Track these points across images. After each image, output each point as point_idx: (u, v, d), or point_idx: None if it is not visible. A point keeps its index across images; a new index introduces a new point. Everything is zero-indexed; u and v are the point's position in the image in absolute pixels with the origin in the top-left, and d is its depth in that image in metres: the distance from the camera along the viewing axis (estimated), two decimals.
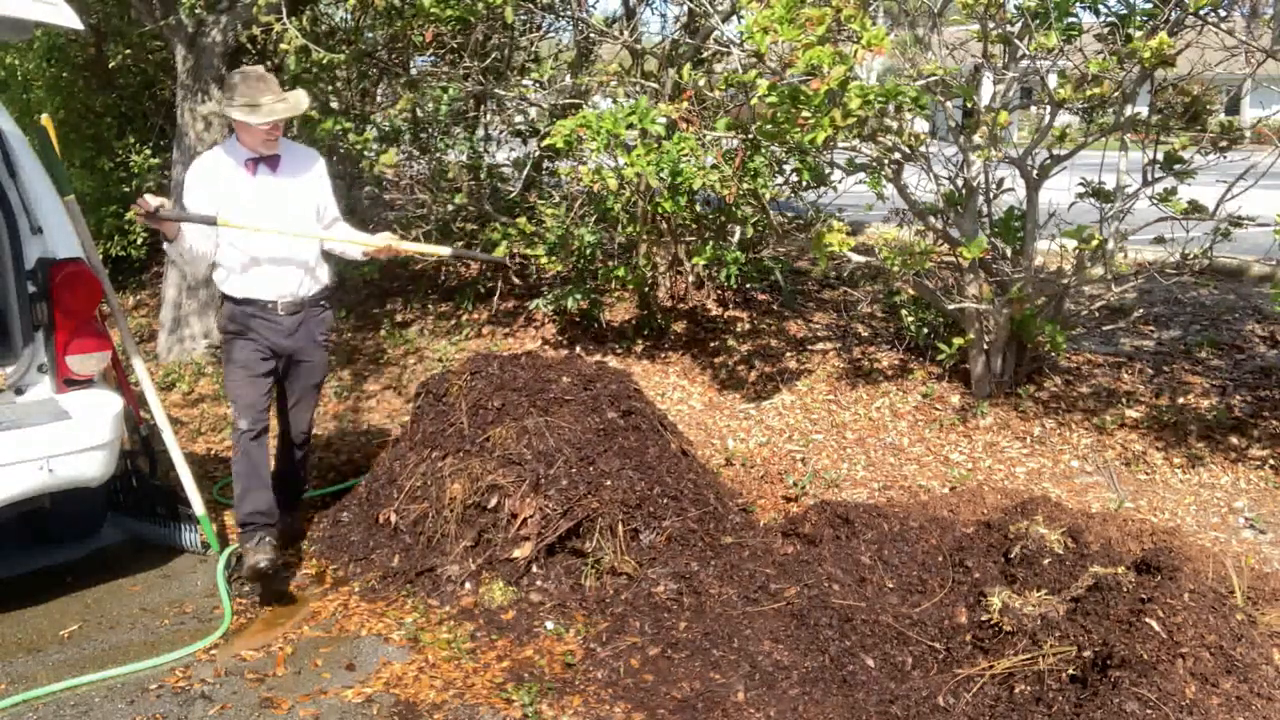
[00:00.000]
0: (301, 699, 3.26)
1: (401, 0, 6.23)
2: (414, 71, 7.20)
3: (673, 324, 6.63)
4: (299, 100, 3.84)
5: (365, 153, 6.80)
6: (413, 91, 6.73)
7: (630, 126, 5.27)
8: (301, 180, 3.98)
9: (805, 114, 4.51)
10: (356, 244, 4.11)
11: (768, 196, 6.06)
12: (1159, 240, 5.09)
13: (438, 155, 7.09)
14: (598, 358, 5.92)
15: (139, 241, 8.22)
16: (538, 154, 6.91)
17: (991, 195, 5.28)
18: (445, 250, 4.72)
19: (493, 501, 3.91)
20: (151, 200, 3.64)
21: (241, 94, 3.72)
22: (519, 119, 7.55)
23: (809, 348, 6.15)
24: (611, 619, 3.64)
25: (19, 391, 3.83)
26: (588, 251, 6.29)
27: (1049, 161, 5.01)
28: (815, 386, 5.68)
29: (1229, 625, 2.95)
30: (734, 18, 6.35)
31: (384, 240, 4.13)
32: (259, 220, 3.82)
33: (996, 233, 5.25)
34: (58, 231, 3.90)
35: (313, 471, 5.13)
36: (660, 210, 5.81)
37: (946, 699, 3.06)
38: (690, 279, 6.94)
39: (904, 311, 5.87)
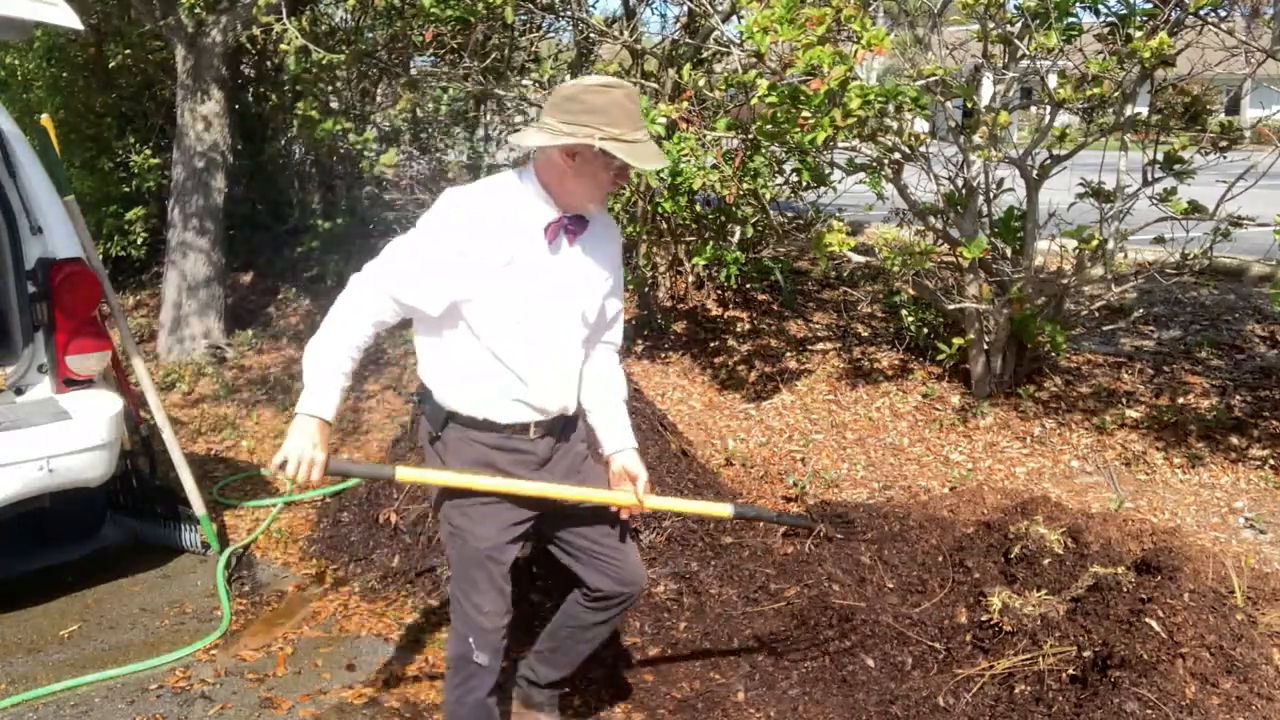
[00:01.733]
0: (301, 699, 3.26)
1: (401, 0, 6.23)
2: (414, 71, 7.20)
3: (673, 324, 6.63)
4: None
5: (365, 153, 6.80)
6: (413, 91, 6.74)
7: None
8: (604, 261, 2.57)
9: (805, 114, 4.51)
10: (612, 432, 2.66)
11: (768, 196, 6.06)
12: (1159, 240, 5.09)
13: (438, 155, 7.10)
14: None
15: (139, 241, 8.22)
16: None
17: (991, 195, 5.27)
18: (726, 509, 2.87)
19: None
20: (301, 472, 2.33)
21: (609, 119, 2.32)
22: (519, 119, 7.56)
23: (809, 348, 6.15)
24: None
25: (19, 391, 3.83)
26: None
27: (1049, 161, 5.01)
28: (815, 386, 5.68)
29: (1229, 625, 2.95)
30: (734, 18, 6.35)
31: (630, 470, 2.62)
32: (546, 314, 2.48)
33: (996, 233, 5.25)
34: (58, 231, 3.89)
35: None
36: (660, 210, 5.81)
37: (946, 699, 3.06)
38: (690, 279, 6.94)
39: (904, 311, 5.87)
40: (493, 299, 2.41)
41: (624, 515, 2.63)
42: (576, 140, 2.32)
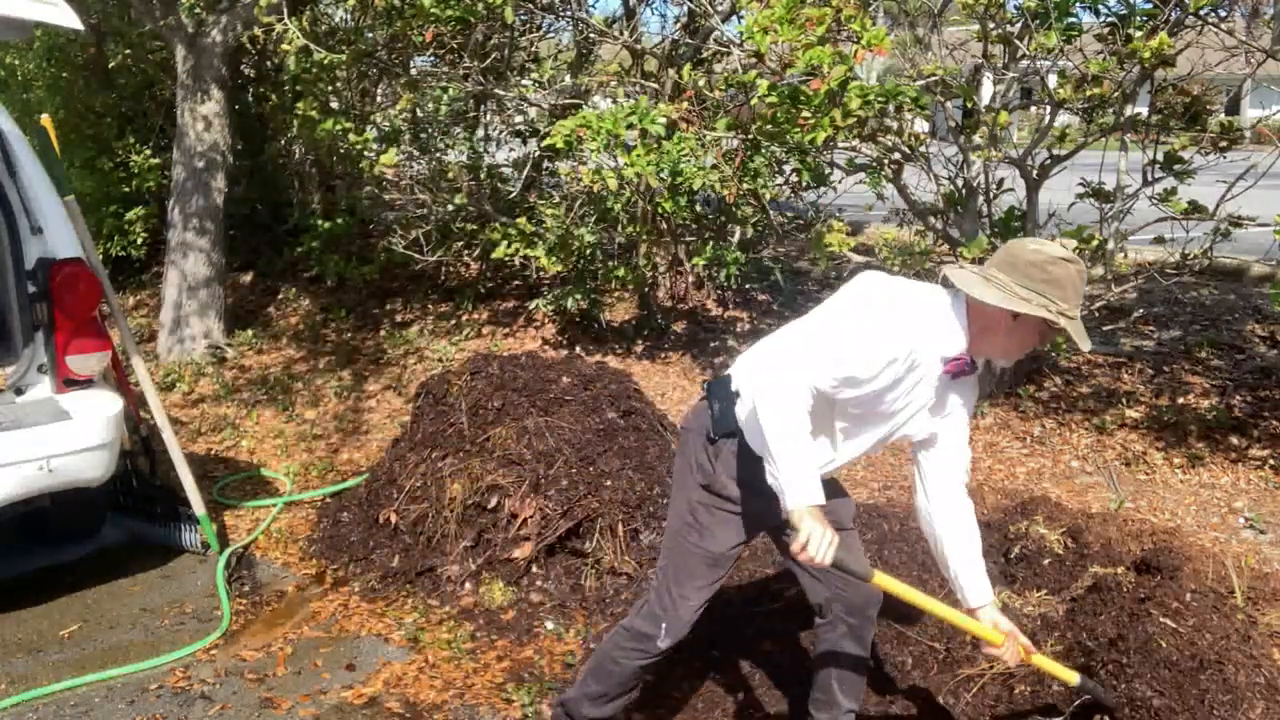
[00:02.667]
0: (301, 699, 3.26)
1: (401, 0, 6.23)
2: (414, 71, 7.20)
3: (673, 324, 6.63)
4: None
5: (365, 153, 6.80)
6: (413, 91, 6.74)
7: (630, 126, 5.27)
8: (964, 398, 2.64)
9: (805, 114, 4.52)
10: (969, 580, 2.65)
11: (768, 196, 6.06)
12: (1159, 240, 5.09)
13: (438, 155, 7.10)
14: (598, 358, 5.92)
15: (139, 241, 8.22)
16: (538, 154, 6.91)
17: (991, 195, 5.28)
18: (1074, 677, 2.73)
19: (493, 501, 3.91)
20: (820, 549, 2.34)
21: (1064, 293, 2.37)
22: (519, 119, 7.56)
23: None
24: (611, 619, 3.63)
25: (19, 391, 3.83)
26: (588, 251, 6.29)
27: (1049, 161, 5.02)
28: None
29: (1229, 625, 2.95)
30: (734, 18, 6.36)
31: (1002, 624, 2.61)
32: (898, 421, 2.57)
33: (996, 233, 5.24)
34: (58, 231, 3.89)
35: (313, 471, 5.13)
36: (660, 210, 5.81)
37: (946, 699, 3.06)
38: (690, 279, 6.95)
39: None
40: (874, 390, 2.45)
41: (998, 656, 2.62)
42: (1031, 308, 2.36)
